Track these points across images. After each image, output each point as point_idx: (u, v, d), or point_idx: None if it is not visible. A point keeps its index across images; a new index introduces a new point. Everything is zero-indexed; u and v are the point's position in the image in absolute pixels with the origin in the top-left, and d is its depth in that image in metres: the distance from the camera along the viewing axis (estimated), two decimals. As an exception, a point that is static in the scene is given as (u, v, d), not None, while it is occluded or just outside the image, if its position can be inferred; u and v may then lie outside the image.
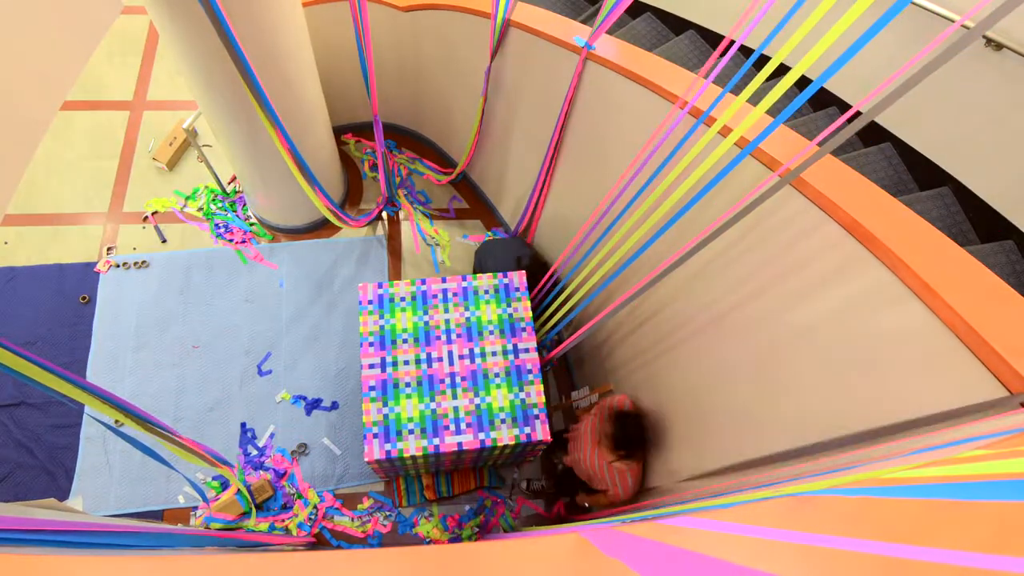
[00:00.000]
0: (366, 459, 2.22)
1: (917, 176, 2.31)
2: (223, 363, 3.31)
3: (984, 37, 1.87)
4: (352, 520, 2.99)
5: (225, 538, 2.15)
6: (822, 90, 2.39)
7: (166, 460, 2.02)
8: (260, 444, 3.13)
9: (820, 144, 1.27)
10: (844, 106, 2.49)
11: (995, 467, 0.60)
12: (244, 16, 2.22)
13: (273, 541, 2.48)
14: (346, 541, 2.97)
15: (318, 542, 2.91)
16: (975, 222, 2.11)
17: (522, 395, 2.34)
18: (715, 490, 1.65)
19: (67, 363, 3.22)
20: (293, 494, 3.02)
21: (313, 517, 2.98)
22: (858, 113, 1.24)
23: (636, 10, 3.20)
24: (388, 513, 3.01)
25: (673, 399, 2.26)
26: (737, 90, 1.56)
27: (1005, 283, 1.18)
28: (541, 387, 2.37)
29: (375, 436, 2.23)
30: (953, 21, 1.95)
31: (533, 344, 2.46)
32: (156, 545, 1.46)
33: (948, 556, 0.43)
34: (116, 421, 1.76)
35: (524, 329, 2.47)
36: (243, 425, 3.17)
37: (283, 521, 2.96)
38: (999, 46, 1.90)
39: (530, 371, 2.39)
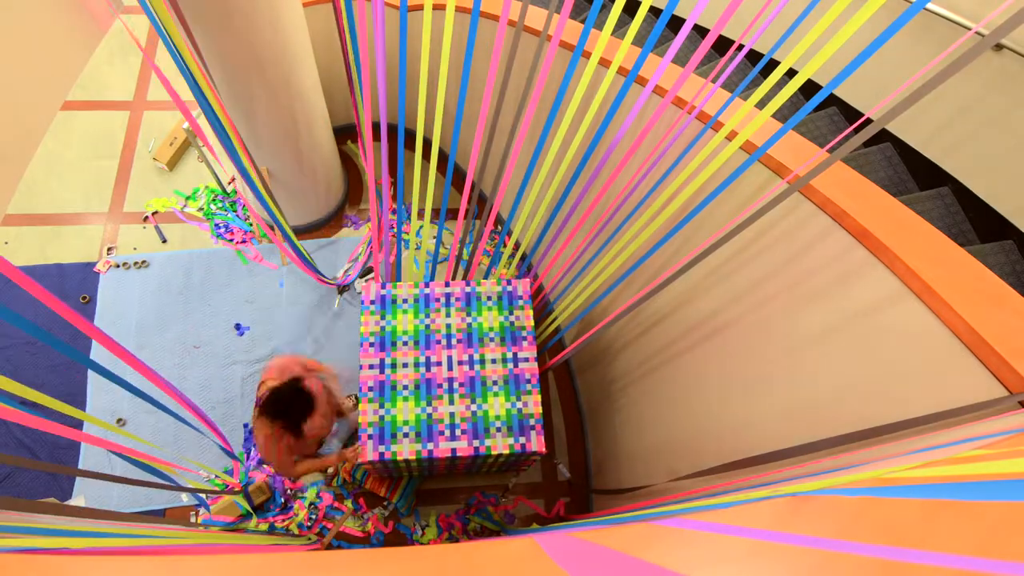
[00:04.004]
0: (360, 460, 2.22)
1: (917, 176, 2.31)
2: (224, 363, 3.32)
3: (980, 35, 1.87)
4: (353, 519, 3.00)
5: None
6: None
7: (164, 474, 2.01)
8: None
9: (830, 151, 1.27)
10: (845, 107, 2.49)
11: (995, 467, 0.60)
12: (243, 14, 2.23)
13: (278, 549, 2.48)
14: (347, 541, 2.97)
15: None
16: (975, 222, 2.11)
17: (519, 404, 2.32)
18: (712, 490, 1.64)
19: (67, 363, 3.23)
20: (292, 494, 3.03)
21: (313, 517, 2.98)
22: (869, 120, 1.24)
23: (632, 8, 3.20)
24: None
25: (675, 400, 2.26)
26: (735, 93, 1.55)
27: (1005, 283, 1.18)
28: (539, 397, 2.35)
29: (370, 437, 2.23)
30: (965, 28, 1.94)
31: (533, 354, 2.43)
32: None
33: (947, 560, 0.43)
34: (118, 420, 1.75)
35: (525, 338, 2.45)
36: (245, 425, 3.17)
37: (283, 521, 2.96)
38: (999, 46, 1.90)
39: (528, 380, 2.37)
